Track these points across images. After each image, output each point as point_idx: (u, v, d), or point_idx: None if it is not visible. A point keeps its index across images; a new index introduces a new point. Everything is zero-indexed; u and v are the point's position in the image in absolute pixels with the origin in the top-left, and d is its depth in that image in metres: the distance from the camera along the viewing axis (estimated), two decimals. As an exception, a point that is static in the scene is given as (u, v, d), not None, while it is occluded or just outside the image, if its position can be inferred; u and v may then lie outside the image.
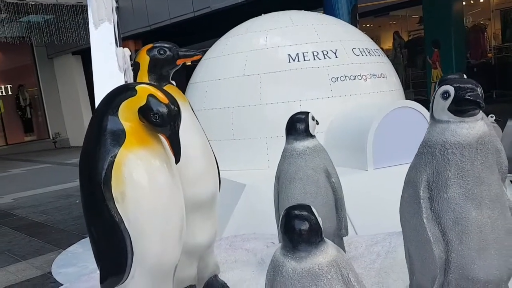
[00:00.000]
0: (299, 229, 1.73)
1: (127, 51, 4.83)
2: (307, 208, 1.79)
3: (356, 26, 6.99)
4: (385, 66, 5.36)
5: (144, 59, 2.57)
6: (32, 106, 19.14)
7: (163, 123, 2.01)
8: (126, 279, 2.01)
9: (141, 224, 1.97)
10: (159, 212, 2.01)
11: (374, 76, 5.08)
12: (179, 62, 2.63)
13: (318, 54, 4.92)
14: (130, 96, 2.02)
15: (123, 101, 2.02)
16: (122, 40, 10.88)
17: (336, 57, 4.96)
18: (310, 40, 5.01)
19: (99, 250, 2.05)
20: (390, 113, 4.44)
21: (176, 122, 2.04)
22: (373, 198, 4.02)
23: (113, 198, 1.93)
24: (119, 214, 1.93)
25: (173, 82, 2.69)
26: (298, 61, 4.86)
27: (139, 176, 1.97)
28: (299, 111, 3.25)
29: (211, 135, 5.14)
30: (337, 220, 3.00)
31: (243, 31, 5.40)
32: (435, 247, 1.98)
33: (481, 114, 2.02)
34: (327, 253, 1.77)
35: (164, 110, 1.99)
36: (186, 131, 2.58)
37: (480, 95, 1.92)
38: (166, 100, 2.01)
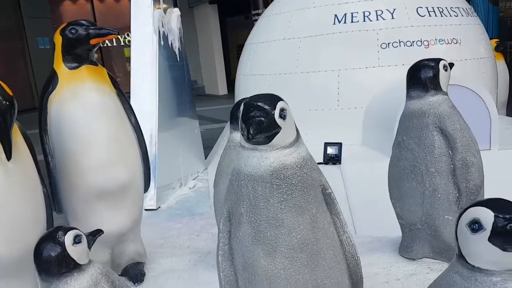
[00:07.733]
0: (41, 260, 1.55)
1: (176, 11, 4.79)
2: (56, 235, 1.58)
3: None
4: (463, 29, 4.35)
5: (57, 39, 2.52)
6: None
7: None
8: None
9: None
10: None
11: (441, 42, 4.19)
12: (93, 42, 2.52)
13: (369, 14, 4.23)
14: None
15: None
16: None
17: (393, 18, 4.21)
18: (366, -3, 4.33)
19: None
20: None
21: (2, 117, 1.94)
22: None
23: None
24: None
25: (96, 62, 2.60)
26: (345, 22, 4.26)
27: None
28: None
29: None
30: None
31: (298, -14, 4.87)
32: (225, 291, 1.68)
33: (291, 142, 1.55)
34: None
35: None
36: (91, 117, 2.53)
37: (260, 121, 1.46)
38: None
